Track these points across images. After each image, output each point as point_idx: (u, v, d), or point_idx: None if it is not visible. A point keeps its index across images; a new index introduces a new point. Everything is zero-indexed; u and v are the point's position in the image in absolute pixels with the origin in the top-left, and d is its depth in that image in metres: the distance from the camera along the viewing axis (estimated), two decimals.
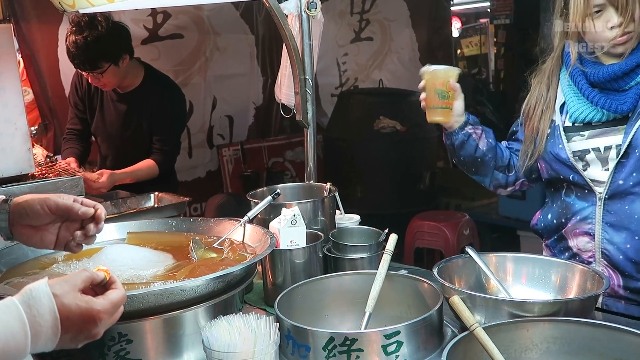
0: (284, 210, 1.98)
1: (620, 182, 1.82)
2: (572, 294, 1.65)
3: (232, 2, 5.05)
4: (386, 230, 2.02)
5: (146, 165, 3.34)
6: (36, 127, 4.09)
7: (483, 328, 1.30)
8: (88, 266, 1.68)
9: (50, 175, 2.29)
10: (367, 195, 5.02)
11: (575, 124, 1.91)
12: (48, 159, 2.66)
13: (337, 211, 2.31)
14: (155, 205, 2.88)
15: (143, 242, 1.90)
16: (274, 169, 5.55)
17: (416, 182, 5.15)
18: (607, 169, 1.85)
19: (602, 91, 1.85)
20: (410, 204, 5.06)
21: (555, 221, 2.02)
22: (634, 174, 1.80)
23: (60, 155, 3.42)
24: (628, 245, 1.84)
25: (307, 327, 1.40)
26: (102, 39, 2.99)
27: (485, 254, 1.81)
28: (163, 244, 1.90)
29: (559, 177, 1.97)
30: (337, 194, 2.28)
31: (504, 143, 2.19)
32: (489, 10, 9.09)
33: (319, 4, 2.56)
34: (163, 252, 1.82)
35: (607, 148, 1.85)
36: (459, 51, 7.53)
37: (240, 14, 5.27)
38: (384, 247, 1.76)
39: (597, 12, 1.78)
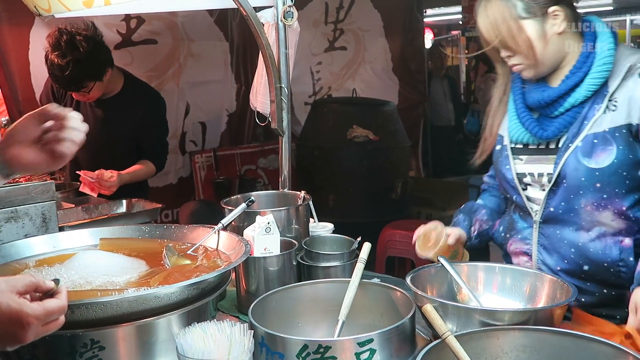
0: (258, 217, 1.98)
1: (551, 209, 1.87)
2: (541, 303, 1.68)
3: (207, 9, 5.05)
4: (359, 239, 2.04)
5: (145, 165, 3.36)
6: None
7: (455, 336, 1.32)
8: (60, 272, 1.67)
9: (21, 179, 2.26)
10: (340, 204, 5.04)
11: (517, 146, 1.96)
12: None
13: (311, 219, 2.33)
14: (127, 212, 2.86)
15: (116, 249, 1.89)
16: (246, 177, 5.54)
17: (388, 191, 5.19)
18: (542, 191, 1.90)
19: (539, 117, 1.90)
20: (382, 212, 5.09)
21: (503, 234, 2.08)
22: (563, 203, 1.84)
23: None
24: (559, 268, 1.89)
25: (281, 335, 1.40)
26: (85, 60, 2.94)
27: (457, 263, 1.85)
28: (136, 250, 1.89)
29: (507, 195, 2.03)
30: (311, 202, 2.30)
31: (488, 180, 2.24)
32: (460, 22, 9.23)
33: (296, 13, 2.58)
34: (136, 258, 1.82)
35: (540, 175, 1.90)
36: (430, 63, 7.61)
37: (214, 21, 5.27)
38: (357, 255, 1.77)
39: (495, 45, 1.86)
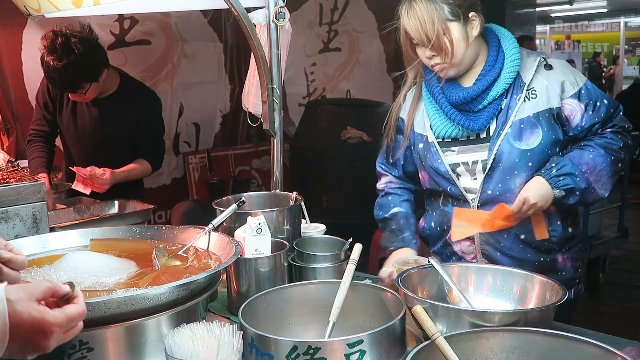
0: (249, 218, 1.97)
1: (489, 192, 2.07)
2: (531, 304, 1.68)
3: (201, 10, 5.04)
4: (350, 240, 2.04)
5: (140, 164, 3.35)
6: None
7: (444, 337, 1.32)
8: (49, 272, 1.66)
9: (12, 180, 2.25)
10: (332, 205, 5.04)
11: (445, 140, 2.13)
12: (10, 164, 2.61)
13: (303, 220, 2.32)
14: (119, 212, 2.85)
15: (106, 249, 1.88)
16: (240, 177, 5.53)
17: None
18: (475, 179, 2.09)
19: (460, 111, 2.08)
20: None
21: (438, 229, 2.23)
22: (500, 185, 2.05)
23: (24, 161, 3.36)
24: (502, 244, 2.10)
25: (271, 336, 1.39)
26: (80, 63, 2.94)
27: (447, 264, 1.85)
28: (127, 251, 1.88)
29: (438, 189, 2.18)
30: (302, 203, 2.29)
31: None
32: None
33: (287, 14, 2.58)
34: (126, 259, 1.81)
35: (474, 162, 2.09)
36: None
37: (208, 21, 5.26)
38: (349, 256, 1.77)
39: (415, 43, 2.06)
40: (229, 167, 5.55)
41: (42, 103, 3.38)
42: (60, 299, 1.14)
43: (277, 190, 2.66)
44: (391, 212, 2.28)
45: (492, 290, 1.77)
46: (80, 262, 1.72)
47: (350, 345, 1.35)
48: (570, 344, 1.32)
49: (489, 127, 2.07)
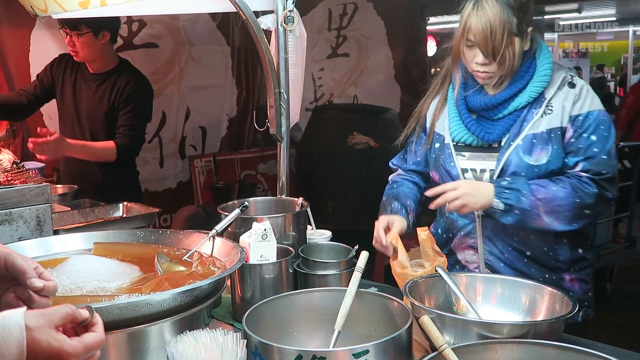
0: (254, 224, 1.95)
1: None
2: (541, 316, 1.65)
3: (209, 13, 5.04)
4: (356, 247, 2.01)
5: (103, 145, 3.34)
6: (3, 131, 4.01)
7: (452, 349, 1.29)
8: (52, 276, 1.64)
9: (16, 182, 2.23)
10: (339, 211, 5.02)
11: (458, 144, 2.11)
12: (15, 165, 2.60)
13: (309, 226, 2.30)
14: (124, 216, 2.84)
15: (110, 253, 1.86)
16: (246, 182, 5.52)
17: None
18: None
19: (478, 118, 2.06)
20: None
21: (444, 235, 2.22)
22: None
23: (29, 162, 3.36)
24: (505, 255, 2.08)
25: (275, 344, 1.37)
26: None
27: (455, 273, 1.82)
28: (130, 255, 1.86)
29: None
30: (308, 209, 2.27)
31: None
32: None
33: (297, 18, 2.56)
34: (130, 264, 1.79)
35: (482, 170, 2.07)
36: (433, 70, 7.60)
37: (216, 25, 5.26)
38: (354, 263, 1.75)
39: (470, 45, 1.97)
40: (234, 171, 5.54)
41: (40, 77, 3.51)
42: (78, 325, 1.12)
43: (283, 196, 2.64)
44: (389, 193, 2.25)
45: (501, 300, 1.74)
46: (82, 266, 1.70)
47: (356, 355, 1.33)
48: (580, 357, 1.29)
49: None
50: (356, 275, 1.65)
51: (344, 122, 5.27)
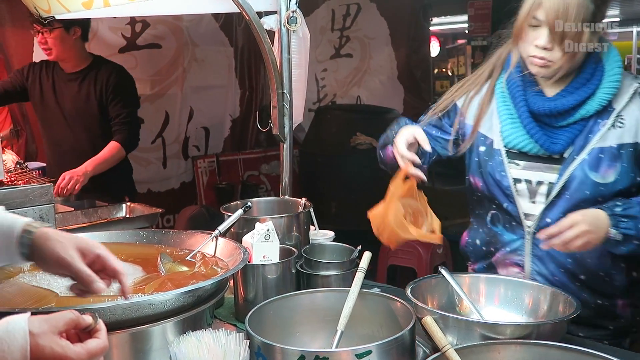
0: (257, 224, 1.95)
1: (548, 219, 1.81)
2: (544, 316, 1.65)
3: (213, 14, 5.04)
4: (359, 248, 2.01)
5: (110, 150, 3.35)
6: (6, 131, 4.02)
7: (455, 349, 1.29)
8: (54, 277, 1.64)
9: (20, 182, 2.24)
10: (342, 211, 5.02)
11: (511, 150, 1.88)
12: (18, 166, 2.60)
13: (312, 227, 2.30)
14: (127, 216, 2.84)
15: (113, 253, 1.86)
16: (249, 182, 5.52)
17: None
18: (534, 202, 1.84)
19: (538, 123, 1.83)
20: None
21: (484, 248, 2.00)
22: (562, 216, 1.74)
23: (33, 163, 3.37)
24: (556, 277, 1.85)
25: (278, 345, 1.37)
26: None
27: (458, 274, 1.81)
28: (133, 255, 1.86)
29: (493, 201, 1.93)
30: (311, 210, 2.27)
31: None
32: (466, 31, 9.20)
33: (300, 19, 2.56)
34: (133, 264, 1.78)
35: (539, 183, 1.84)
36: (436, 70, 7.60)
37: (220, 26, 5.26)
38: (357, 264, 1.74)
39: (535, 25, 1.74)
40: (237, 172, 5.55)
41: (16, 71, 3.53)
42: (81, 331, 1.12)
43: (286, 196, 2.64)
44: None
45: (504, 301, 1.74)
46: None
47: (359, 356, 1.33)
48: (584, 357, 1.29)
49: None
50: (359, 276, 1.65)
51: (347, 122, 5.28)
